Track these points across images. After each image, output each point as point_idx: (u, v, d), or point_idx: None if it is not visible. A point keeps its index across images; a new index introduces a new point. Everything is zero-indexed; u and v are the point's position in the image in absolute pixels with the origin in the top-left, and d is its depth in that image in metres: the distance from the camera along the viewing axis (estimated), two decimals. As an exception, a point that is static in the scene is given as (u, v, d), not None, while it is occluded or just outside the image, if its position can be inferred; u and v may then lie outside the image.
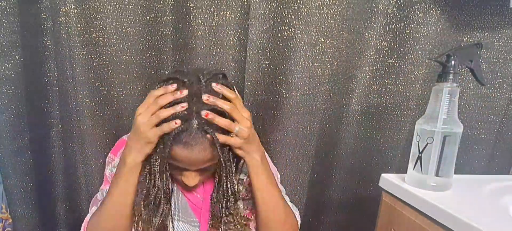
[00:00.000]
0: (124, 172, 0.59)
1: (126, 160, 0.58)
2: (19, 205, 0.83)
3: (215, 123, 0.55)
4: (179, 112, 0.54)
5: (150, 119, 0.55)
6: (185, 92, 0.55)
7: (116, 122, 0.84)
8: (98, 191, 0.71)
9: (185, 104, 0.54)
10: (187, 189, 0.68)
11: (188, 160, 0.58)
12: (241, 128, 0.57)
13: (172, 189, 0.69)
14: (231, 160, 0.62)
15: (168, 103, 0.55)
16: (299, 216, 0.72)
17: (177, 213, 0.71)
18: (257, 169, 0.63)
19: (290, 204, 0.71)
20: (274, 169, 0.77)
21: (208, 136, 0.56)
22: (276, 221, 0.66)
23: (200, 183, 0.68)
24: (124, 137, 0.74)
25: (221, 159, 0.58)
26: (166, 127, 0.54)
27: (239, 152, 0.60)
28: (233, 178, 0.63)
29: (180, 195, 0.71)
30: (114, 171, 0.66)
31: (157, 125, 0.55)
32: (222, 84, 0.58)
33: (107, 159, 0.72)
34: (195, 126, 0.55)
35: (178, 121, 0.54)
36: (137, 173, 0.60)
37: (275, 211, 0.65)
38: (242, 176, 0.68)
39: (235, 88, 0.63)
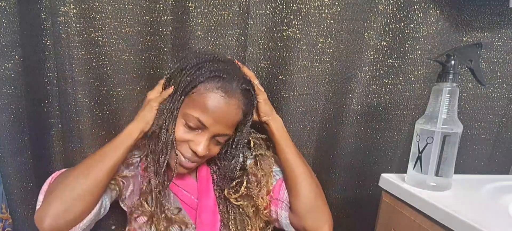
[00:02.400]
0: (122, 134, 0.63)
1: (128, 126, 0.63)
2: (19, 205, 0.83)
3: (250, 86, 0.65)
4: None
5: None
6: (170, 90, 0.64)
7: (115, 121, 0.84)
8: None
9: None
10: (185, 161, 0.65)
11: (220, 109, 0.59)
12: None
13: (165, 192, 0.68)
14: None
15: None
16: None
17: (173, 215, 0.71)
18: (282, 132, 0.69)
19: None
20: None
21: (244, 88, 0.62)
22: (307, 188, 0.67)
23: (206, 152, 0.64)
24: None
25: (250, 113, 0.66)
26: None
27: (263, 117, 0.68)
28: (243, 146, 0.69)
29: (175, 197, 0.70)
30: None
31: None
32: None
33: None
34: (235, 83, 0.60)
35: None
36: (130, 144, 0.62)
37: (306, 177, 0.68)
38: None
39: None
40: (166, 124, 0.62)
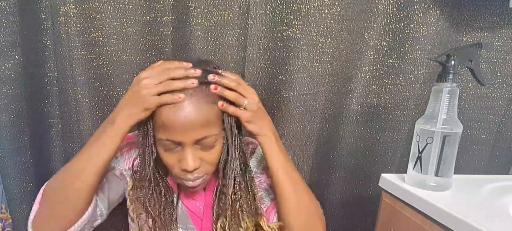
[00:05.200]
0: (110, 130, 0.55)
1: (116, 119, 0.54)
2: (19, 205, 0.83)
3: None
4: (188, 88, 0.53)
5: (157, 86, 0.52)
6: (199, 71, 0.55)
7: (116, 122, 0.84)
8: None
9: (195, 81, 0.53)
10: (187, 181, 0.60)
11: (178, 119, 0.53)
12: (250, 101, 0.57)
13: (172, 198, 0.67)
14: (236, 130, 0.59)
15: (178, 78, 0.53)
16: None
17: (178, 223, 0.70)
18: (271, 146, 0.60)
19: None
20: None
21: (220, 103, 0.55)
22: (298, 205, 0.60)
23: (197, 164, 0.58)
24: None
25: (225, 123, 0.57)
26: (169, 98, 0.52)
27: (250, 127, 0.58)
28: (240, 145, 0.61)
29: (180, 203, 0.70)
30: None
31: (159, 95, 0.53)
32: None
33: None
34: (181, 86, 0.53)
35: (182, 95, 0.52)
36: (122, 137, 0.56)
37: (296, 193, 0.60)
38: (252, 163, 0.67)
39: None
40: (147, 159, 0.59)
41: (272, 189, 0.66)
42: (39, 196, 0.60)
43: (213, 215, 0.66)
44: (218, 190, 0.65)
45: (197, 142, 0.56)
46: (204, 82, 0.55)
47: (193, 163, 0.56)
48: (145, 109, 0.54)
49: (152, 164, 0.60)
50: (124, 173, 0.68)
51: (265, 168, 0.68)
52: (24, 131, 0.80)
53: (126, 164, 0.68)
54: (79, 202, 0.56)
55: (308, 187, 0.65)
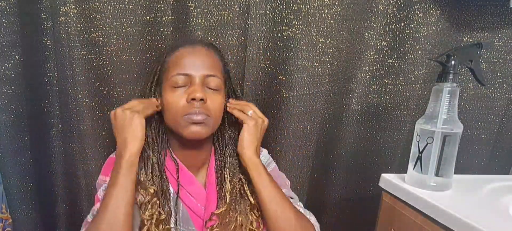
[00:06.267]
0: (122, 166, 0.58)
1: (122, 154, 0.58)
2: (19, 205, 0.83)
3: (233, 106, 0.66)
4: None
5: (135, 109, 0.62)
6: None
7: (116, 122, 0.84)
8: (89, 213, 0.65)
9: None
10: (192, 115, 0.62)
11: (192, 55, 0.63)
12: (255, 113, 0.67)
13: (172, 198, 0.67)
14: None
15: None
16: (316, 221, 0.68)
17: (178, 222, 0.70)
18: (255, 165, 0.64)
19: (303, 210, 0.68)
20: (282, 174, 0.75)
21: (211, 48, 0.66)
22: (285, 223, 0.61)
23: (204, 95, 0.62)
24: (112, 155, 0.69)
25: (225, 72, 0.67)
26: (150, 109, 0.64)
27: (240, 116, 0.66)
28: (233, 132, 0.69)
29: (181, 205, 0.70)
30: None
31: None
32: None
33: (97, 182, 0.67)
34: (197, 39, 0.65)
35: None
36: (135, 167, 0.59)
37: (283, 213, 0.61)
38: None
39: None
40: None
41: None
42: None
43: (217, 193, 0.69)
44: (217, 166, 0.70)
45: (205, 78, 0.63)
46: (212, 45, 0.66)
47: (201, 92, 0.61)
48: (136, 134, 0.60)
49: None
50: None
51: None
52: (24, 131, 0.80)
53: None
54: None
55: (294, 205, 0.66)
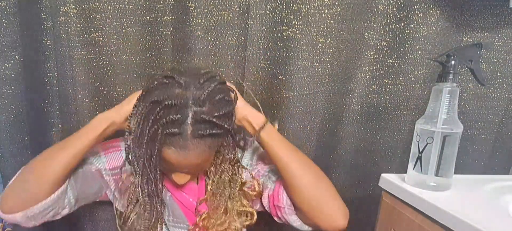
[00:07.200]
0: (86, 127, 0.62)
1: (91, 120, 0.63)
2: (19, 205, 0.83)
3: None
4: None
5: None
6: None
7: (116, 122, 0.84)
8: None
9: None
10: (177, 186, 0.67)
11: (180, 163, 0.58)
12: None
13: (163, 191, 0.68)
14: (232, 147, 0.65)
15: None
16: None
17: (169, 217, 0.70)
18: (270, 132, 0.65)
19: None
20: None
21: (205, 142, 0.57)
22: (304, 180, 0.63)
23: (188, 179, 0.66)
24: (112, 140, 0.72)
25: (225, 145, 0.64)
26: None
27: (241, 115, 0.64)
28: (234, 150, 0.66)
29: (172, 199, 0.70)
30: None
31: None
32: (219, 88, 0.59)
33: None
34: (189, 131, 0.54)
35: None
36: (94, 137, 0.61)
37: (298, 168, 0.63)
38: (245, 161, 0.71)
39: (235, 90, 0.64)
40: (147, 171, 0.62)
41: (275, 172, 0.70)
42: (16, 174, 0.64)
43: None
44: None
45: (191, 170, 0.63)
46: (208, 135, 0.56)
47: (183, 181, 0.64)
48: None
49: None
50: (104, 172, 0.69)
51: (260, 157, 0.74)
52: (24, 131, 0.80)
53: (108, 164, 0.70)
54: (49, 181, 0.59)
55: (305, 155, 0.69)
